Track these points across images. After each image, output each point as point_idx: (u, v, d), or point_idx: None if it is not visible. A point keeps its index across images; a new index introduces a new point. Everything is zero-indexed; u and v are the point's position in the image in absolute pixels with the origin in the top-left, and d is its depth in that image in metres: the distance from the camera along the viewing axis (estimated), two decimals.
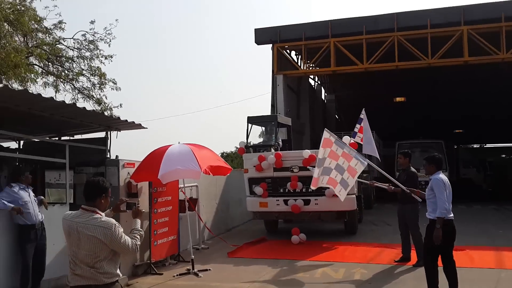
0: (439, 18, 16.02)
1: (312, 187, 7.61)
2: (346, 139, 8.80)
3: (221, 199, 11.64)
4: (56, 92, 15.82)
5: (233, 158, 34.67)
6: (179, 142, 7.77)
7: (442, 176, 5.64)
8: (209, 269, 7.56)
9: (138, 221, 3.90)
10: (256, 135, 12.98)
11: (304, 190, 9.49)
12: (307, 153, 9.53)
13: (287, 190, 9.69)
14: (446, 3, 36.34)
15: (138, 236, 3.73)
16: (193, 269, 7.40)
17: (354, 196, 9.54)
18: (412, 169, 7.83)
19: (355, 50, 17.08)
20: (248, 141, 11.63)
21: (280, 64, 18.34)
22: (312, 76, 23.74)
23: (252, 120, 11.91)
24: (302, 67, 19.18)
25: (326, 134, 7.37)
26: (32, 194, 6.14)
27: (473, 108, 26.55)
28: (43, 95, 5.98)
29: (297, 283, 6.83)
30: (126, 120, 7.69)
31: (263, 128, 12.58)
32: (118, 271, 3.60)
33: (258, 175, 9.92)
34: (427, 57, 16.16)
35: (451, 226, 5.48)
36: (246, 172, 10.17)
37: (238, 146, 11.01)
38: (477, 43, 15.62)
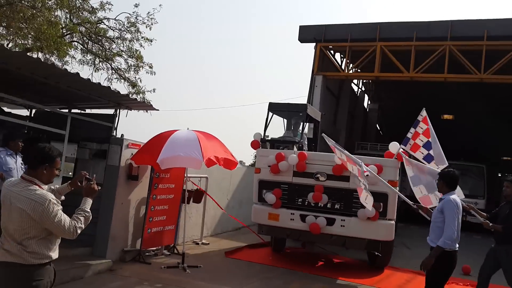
0: (498, 30, 14.69)
1: (425, 205, 5.82)
2: (395, 146, 7.30)
3: (234, 195, 11.11)
4: (94, 71, 15.97)
5: None
6: (188, 128, 7.35)
7: (456, 197, 4.75)
8: (200, 266, 7.05)
9: (89, 200, 3.37)
10: (277, 128, 10.09)
11: (329, 205, 7.46)
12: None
13: (306, 202, 7.56)
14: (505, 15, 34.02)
15: (81, 218, 3.21)
16: (182, 263, 6.92)
17: (394, 223, 7.32)
18: None
19: (403, 57, 16.02)
20: (266, 133, 9.24)
21: (322, 65, 17.58)
22: (356, 82, 22.80)
23: (274, 108, 9.47)
24: (345, 70, 18.34)
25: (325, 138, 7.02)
26: (20, 161, 5.89)
27: None
28: (43, 61, 5.73)
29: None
30: (136, 99, 7.36)
31: (285, 120, 9.88)
32: (51, 253, 3.14)
33: (272, 178, 7.75)
34: (479, 72, 14.91)
35: (454, 258, 4.63)
36: (258, 172, 7.96)
37: (253, 138, 8.46)
38: None
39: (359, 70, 19.08)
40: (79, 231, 3.21)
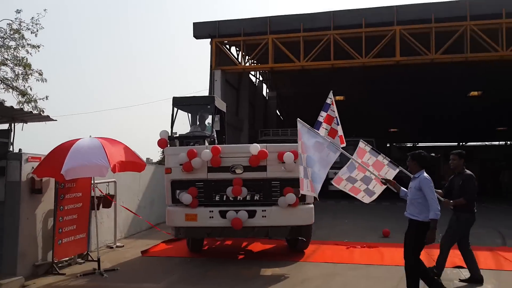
0: (373, 18, 16.42)
1: (335, 184, 6.56)
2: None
3: (144, 195, 11.26)
4: None
5: None
6: (90, 136, 7.37)
7: (427, 175, 5.43)
8: (117, 269, 7.22)
9: None
10: (183, 124, 9.64)
11: (248, 198, 7.29)
12: (256, 148, 7.25)
13: (225, 197, 7.33)
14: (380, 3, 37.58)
15: None
16: (99, 268, 7.03)
17: (313, 206, 7.42)
18: (468, 171, 6.58)
19: (293, 47, 17.17)
20: (173, 130, 8.92)
21: (219, 59, 18.13)
22: (253, 73, 23.71)
23: (179, 102, 9.05)
24: (242, 63, 19.06)
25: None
26: None
27: (407, 107, 27.64)
28: None
29: (207, 282, 6.66)
30: (31, 112, 7.25)
31: (190, 114, 9.54)
32: None
33: (185, 177, 7.33)
34: (361, 56, 16.53)
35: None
36: (169, 173, 7.46)
37: (159, 137, 8.11)
38: (409, 43, 16.15)
39: (255, 62, 19.95)
40: None
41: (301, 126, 6.54)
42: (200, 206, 7.30)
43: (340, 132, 7.24)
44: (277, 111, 28.19)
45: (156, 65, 76.49)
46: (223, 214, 7.18)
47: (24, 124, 7.69)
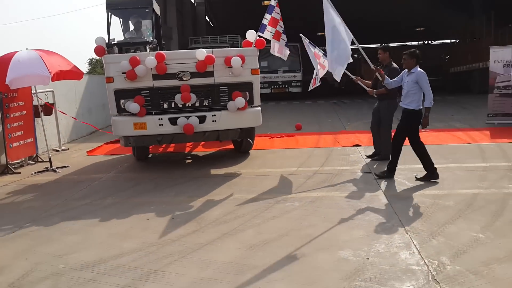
0: None
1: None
2: (252, 34, 7.33)
3: (82, 104, 11.89)
4: None
5: (103, 65, 33.24)
6: (27, 49, 7.77)
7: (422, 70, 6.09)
8: (68, 166, 8.20)
9: None
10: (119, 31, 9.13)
11: (197, 104, 7.23)
12: (202, 54, 7.00)
13: (173, 104, 7.19)
14: None
15: None
16: (51, 166, 7.96)
17: (260, 108, 7.57)
18: (394, 64, 7.26)
19: None
20: (111, 37, 8.42)
21: None
22: None
23: (113, 6, 8.54)
24: None
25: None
26: None
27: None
28: None
29: (144, 169, 7.88)
30: None
31: (122, 19, 9.05)
32: None
33: (129, 86, 7.02)
34: None
35: (421, 114, 6.10)
36: (111, 82, 7.10)
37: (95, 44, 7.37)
38: None
39: None
40: None
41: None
42: (148, 115, 7.15)
43: (285, 38, 7.46)
44: (207, 18, 28.13)
45: None
46: (173, 121, 7.12)
47: None
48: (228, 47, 15.53)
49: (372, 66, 6.77)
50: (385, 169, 6.40)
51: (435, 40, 45.90)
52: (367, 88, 7.41)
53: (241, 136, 7.75)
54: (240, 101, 7.14)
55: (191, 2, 25.79)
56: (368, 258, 3.79)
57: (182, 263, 3.91)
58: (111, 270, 3.82)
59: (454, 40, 37.42)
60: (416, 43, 46.01)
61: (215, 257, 3.98)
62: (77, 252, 4.26)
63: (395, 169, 6.30)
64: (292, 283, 3.45)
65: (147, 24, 8.95)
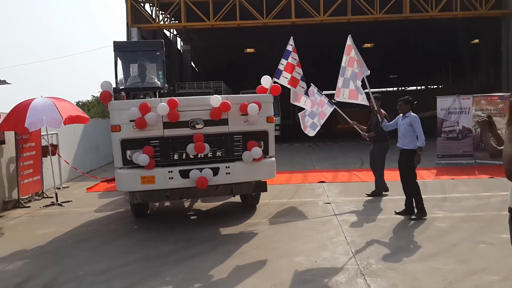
0: None
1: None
2: (267, 80, 6.92)
3: (79, 145, 13.13)
4: None
5: (90, 107, 34.56)
6: (41, 96, 9.06)
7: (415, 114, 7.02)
8: (71, 201, 9.35)
9: None
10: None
11: (210, 154, 6.59)
12: (217, 100, 6.45)
13: (184, 155, 6.52)
14: None
15: None
16: (57, 201, 9.12)
17: (274, 159, 7.02)
18: (383, 111, 7.88)
19: (205, 7, 19.12)
20: (118, 81, 7.99)
21: (135, 17, 19.53)
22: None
23: (121, 48, 7.91)
24: (156, 20, 20.57)
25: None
26: None
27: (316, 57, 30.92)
28: None
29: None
30: None
31: (131, 64, 8.45)
32: None
33: (138, 135, 6.36)
34: (263, 17, 19.10)
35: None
36: (117, 131, 6.39)
37: (100, 90, 6.67)
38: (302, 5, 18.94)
39: (172, 18, 21.60)
40: None
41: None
42: (157, 167, 6.44)
43: (304, 85, 7.18)
44: (192, 63, 29.94)
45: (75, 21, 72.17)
46: (184, 174, 6.43)
47: None
48: (213, 93, 17.03)
49: (350, 122, 8.23)
50: (416, 211, 6.86)
51: (408, 87, 49.04)
52: (361, 132, 8.42)
53: (255, 190, 7.08)
54: (256, 151, 6.58)
55: (178, 49, 27.63)
56: (316, 261, 5.10)
57: (171, 271, 5.16)
58: (121, 274, 5.04)
59: (420, 87, 40.30)
60: (391, 89, 49.09)
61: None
62: (92, 263, 5.45)
63: (423, 206, 6.83)
64: (258, 278, 4.73)
65: (157, 68, 8.53)
